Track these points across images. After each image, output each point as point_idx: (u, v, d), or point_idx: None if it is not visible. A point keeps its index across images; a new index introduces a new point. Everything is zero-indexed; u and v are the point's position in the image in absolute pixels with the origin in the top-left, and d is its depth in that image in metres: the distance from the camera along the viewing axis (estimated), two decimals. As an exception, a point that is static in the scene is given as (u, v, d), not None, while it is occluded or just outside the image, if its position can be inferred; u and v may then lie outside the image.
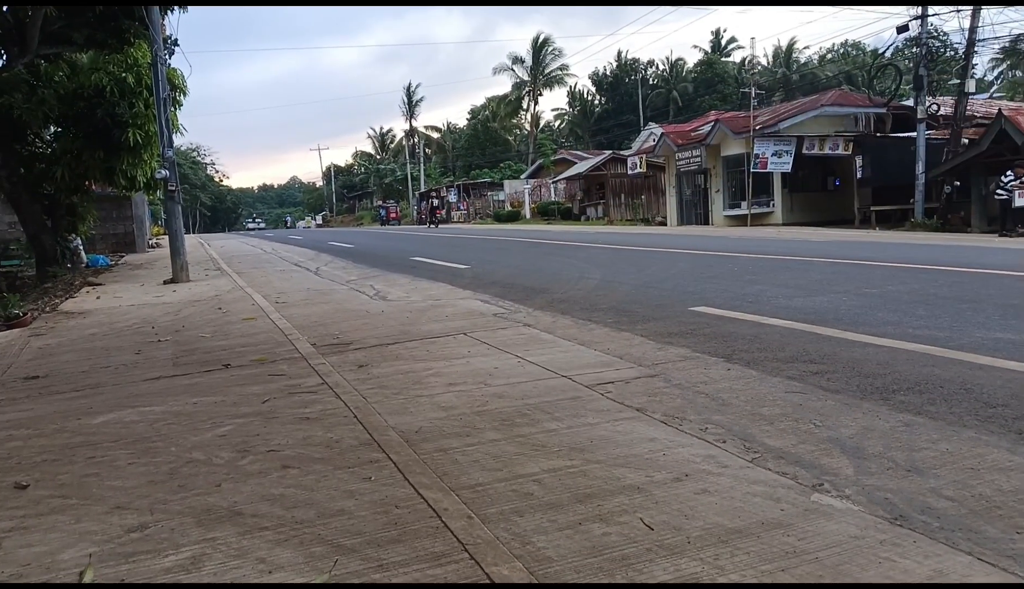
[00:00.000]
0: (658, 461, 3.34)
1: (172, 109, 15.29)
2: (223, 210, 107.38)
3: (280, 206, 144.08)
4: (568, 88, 74.23)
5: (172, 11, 14.85)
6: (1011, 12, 37.22)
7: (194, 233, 69.22)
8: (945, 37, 28.74)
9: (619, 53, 74.45)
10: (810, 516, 2.73)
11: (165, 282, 14.01)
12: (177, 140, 16.64)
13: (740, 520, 2.71)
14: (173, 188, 14.35)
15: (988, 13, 22.91)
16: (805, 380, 4.62)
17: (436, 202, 49.87)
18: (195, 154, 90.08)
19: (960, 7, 21.86)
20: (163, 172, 14.24)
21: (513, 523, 2.79)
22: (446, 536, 2.69)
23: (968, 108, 23.51)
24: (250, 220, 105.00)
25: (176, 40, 15.90)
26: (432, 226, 41.62)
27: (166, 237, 18.61)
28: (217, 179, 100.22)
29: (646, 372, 5.00)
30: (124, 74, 15.56)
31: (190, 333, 7.84)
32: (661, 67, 75.03)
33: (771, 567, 2.37)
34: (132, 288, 13.49)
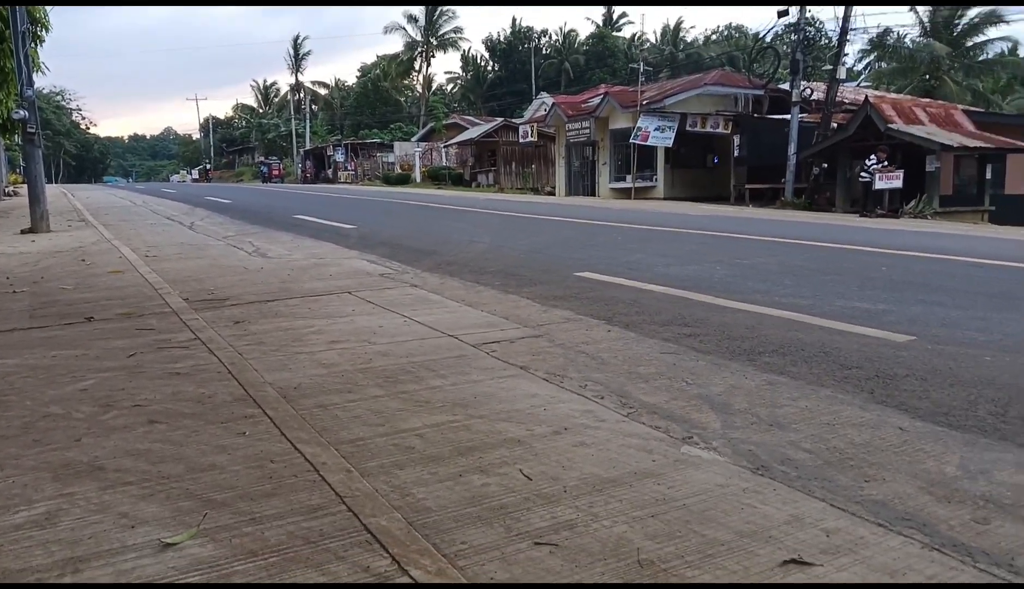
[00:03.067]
0: (539, 416, 3.40)
1: (32, 44, 14.07)
2: (90, 160, 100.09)
3: (153, 158, 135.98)
4: (462, 52, 73.49)
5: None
6: (880, 8, 39.62)
7: (58, 184, 64.23)
8: (821, 25, 30.28)
9: (514, 20, 74.27)
10: (680, 466, 2.85)
11: (23, 232, 12.99)
12: (39, 81, 15.38)
13: (615, 470, 2.80)
14: (32, 130, 13.23)
15: (859, 8, 24.24)
16: (679, 342, 4.81)
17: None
18: (59, 98, 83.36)
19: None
20: (20, 113, 13.10)
21: (393, 476, 2.77)
22: (323, 489, 2.64)
23: (839, 94, 24.88)
24: (110, 177, 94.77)
25: (36, -31, 14.59)
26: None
27: (25, 186, 17.20)
28: (84, 126, 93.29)
29: (531, 333, 5.07)
30: (-26, 2, 14.13)
31: (50, 285, 7.30)
32: (555, 37, 75.40)
33: (642, 513, 2.46)
34: (-18, 237, 12.42)
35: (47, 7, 15.52)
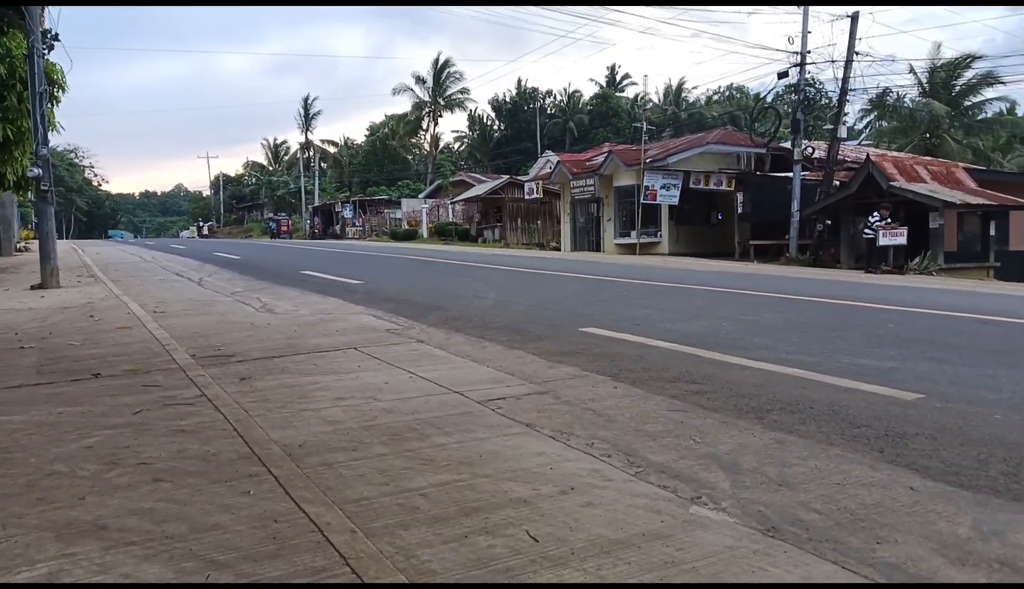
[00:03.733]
0: (545, 475, 3.37)
1: (49, 105, 14.39)
2: (100, 216, 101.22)
3: (163, 214, 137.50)
4: (468, 112, 74.78)
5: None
6: (879, 67, 40.32)
7: (68, 239, 64.89)
8: (821, 85, 30.83)
9: (519, 81, 75.59)
10: (689, 527, 2.81)
11: (33, 287, 13.09)
12: (53, 139, 15.68)
13: (622, 531, 2.76)
14: (46, 188, 13.45)
15: (859, 67, 24.67)
16: (686, 399, 4.79)
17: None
18: (73, 155, 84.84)
19: (835, 60, 23.49)
20: (35, 170, 13.34)
21: (398, 537, 2.74)
22: (327, 550, 2.61)
23: (840, 152, 25.19)
24: (116, 232, 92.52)
25: (56, 34, 14.98)
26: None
27: (36, 242, 17.40)
28: (96, 183, 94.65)
29: (536, 389, 5.05)
30: (-4, 64, 14.52)
31: (57, 340, 7.34)
32: (559, 97, 76.77)
33: (651, 576, 2.42)
34: (-8, 293, 12.52)
35: (64, 69, 15.91)
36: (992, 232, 21.89)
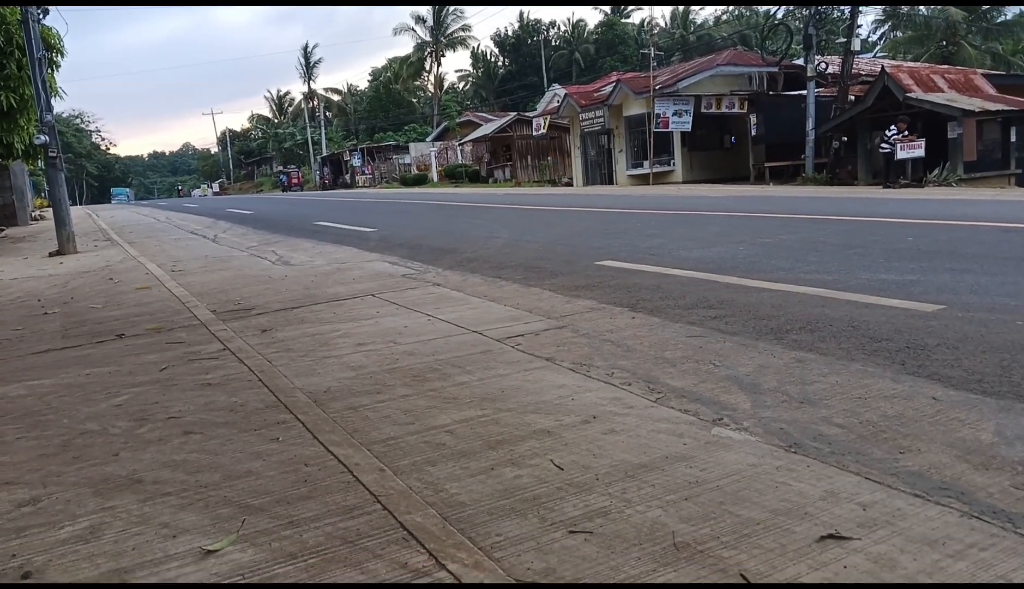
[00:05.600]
0: (567, 405, 3.40)
1: (49, 70, 14.28)
2: (111, 180, 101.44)
3: (173, 174, 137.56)
4: (471, 49, 73.45)
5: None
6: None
7: (81, 204, 65.19)
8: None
9: (521, 14, 74.01)
10: (711, 448, 2.84)
11: (51, 254, 13.21)
12: (57, 106, 15.64)
13: (646, 456, 2.80)
14: (54, 155, 13.45)
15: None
16: (705, 324, 4.79)
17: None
18: (78, 121, 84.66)
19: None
20: (42, 138, 13.31)
21: (426, 473, 2.79)
22: (358, 489, 2.67)
23: (854, 66, 24.56)
24: (119, 190, 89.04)
25: (49, -4, 14.78)
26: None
27: (50, 209, 17.50)
28: (104, 147, 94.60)
29: (555, 324, 5.07)
30: (-9, 32, 14.38)
31: (80, 304, 7.43)
32: (563, 28, 75.17)
33: (675, 497, 2.46)
34: (14, 261, 12.65)
35: (60, 32, 15.74)
36: (1013, 138, 21.39)
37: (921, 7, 40.75)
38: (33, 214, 30.75)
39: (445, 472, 2.78)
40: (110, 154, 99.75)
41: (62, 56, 16.07)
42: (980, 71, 27.59)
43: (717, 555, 2.10)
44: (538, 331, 4.89)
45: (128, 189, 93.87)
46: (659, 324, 4.89)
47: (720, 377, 3.70)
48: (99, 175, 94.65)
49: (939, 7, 39.30)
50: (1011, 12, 41.33)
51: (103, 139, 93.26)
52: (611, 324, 4.96)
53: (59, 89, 15.89)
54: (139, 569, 2.23)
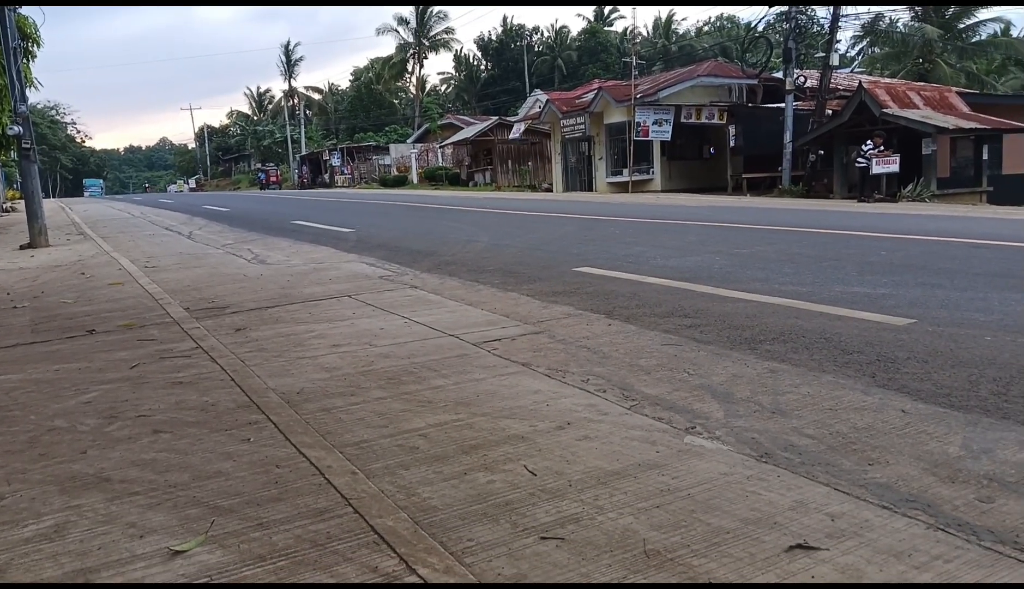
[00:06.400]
0: (542, 411, 3.41)
1: (24, 60, 14.07)
2: (86, 173, 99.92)
3: (149, 169, 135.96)
4: (454, 52, 73.42)
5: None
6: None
7: (55, 197, 64.12)
8: (812, 13, 30.16)
9: (504, 18, 74.22)
10: (683, 457, 2.86)
11: (22, 247, 13.01)
12: (33, 96, 15.40)
13: (619, 463, 2.81)
14: (28, 146, 13.24)
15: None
16: (680, 333, 4.82)
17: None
18: (54, 113, 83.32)
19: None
20: (15, 128, 13.10)
21: (399, 476, 2.78)
22: (329, 492, 2.65)
23: (832, 81, 24.85)
24: (92, 181, 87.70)
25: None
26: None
27: (22, 201, 17.22)
28: (79, 139, 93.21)
29: (531, 329, 5.07)
30: (-35, 20, 14.12)
31: (50, 299, 7.32)
32: (546, 34, 75.41)
33: (647, 504, 2.47)
34: (-18, 254, 12.44)
35: (37, 23, 15.52)
36: (985, 156, 21.78)
37: (899, 23, 41.39)
38: (4, 206, 30.24)
39: (418, 476, 2.77)
40: (85, 147, 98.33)
41: (38, 46, 15.86)
42: (955, 89, 28.07)
43: (687, 563, 2.11)
44: (515, 336, 4.89)
45: (101, 181, 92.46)
46: (635, 331, 4.91)
47: (694, 386, 3.73)
48: (73, 168, 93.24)
49: (917, 23, 39.92)
50: (985, 32, 42.11)
51: (78, 131, 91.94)
52: (587, 330, 4.98)
53: (34, 80, 15.68)
54: (104, 569, 2.19)
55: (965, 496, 2.48)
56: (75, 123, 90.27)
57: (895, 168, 19.88)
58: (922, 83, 30.50)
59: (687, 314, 5.38)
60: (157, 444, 3.21)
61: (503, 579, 2.07)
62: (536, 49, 73.89)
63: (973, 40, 41.45)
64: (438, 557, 2.17)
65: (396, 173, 50.00)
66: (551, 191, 32.50)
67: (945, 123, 21.11)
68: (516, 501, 2.53)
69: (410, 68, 69.05)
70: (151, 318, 6.05)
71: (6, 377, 4.43)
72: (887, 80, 31.32)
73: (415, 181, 46.89)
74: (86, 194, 75.93)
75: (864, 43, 46.10)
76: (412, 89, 71.27)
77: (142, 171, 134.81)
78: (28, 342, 5.41)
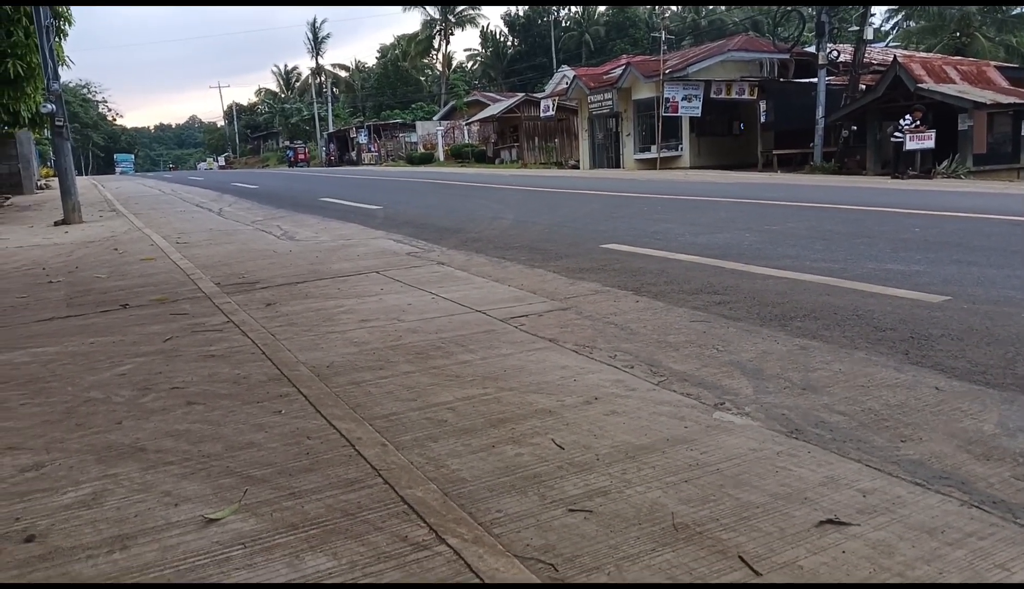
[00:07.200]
0: (569, 386, 3.41)
1: (56, 38, 14.23)
2: (117, 151, 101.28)
3: (179, 147, 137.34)
4: (480, 28, 72.94)
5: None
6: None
7: (87, 175, 65.04)
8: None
9: (532, -7, 73.30)
10: (712, 432, 2.85)
11: (56, 223, 13.22)
12: (64, 75, 15.60)
13: (647, 437, 2.80)
14: (61, 123, 13.42)
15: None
16: (709, 310, 4.78)
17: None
18: (85, 91, 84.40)
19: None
20: (49, 106, 13.27)
21: (427, 448, 2.80)
22: (360, 463, 2.68)
23: (866, 55, 24.36)
24: (124, 156, 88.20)
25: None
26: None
27: (56, 179, 17.50)
28: (110, 118, 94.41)
29: (558, 306, 5.07)
30: (-1, -1, 14.32)
31: (84, 274, 7.44)
32: (573, 10, 74.48)
33: (675, 479, 2.46)
34: (19, 230, 12.66)
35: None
36: (1023, 132, 21.23)
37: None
38: (39, 183, 30.74)
39: (446, 448, 2.79)
40: (116, 125, 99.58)
41: (70, 24, 16.04)
42: (993, 63, 27.35)
43: (716, 537, 2.11)
44: (542, 312, 4.89)
45: (132, 156, 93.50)
46: (663, 308, 4.88)
47: (723, 362, 3.70)
48: (105, 146, 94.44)
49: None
50: (1027, 4, 40.89)
51: (110, 110, 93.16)
52: (615, 307, 4.96)
53: (66, 58, 15.89)
54: (141, 536, 2.24)
55: (1000, 474, 2.44)
56: (106, 101, 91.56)
57: (930, 144, 19.47)
58: (959, 57, 29.76)
59: (716, 291, 5.33)
60: (191, 415, 3.27)
61: (532, 550, 2.08)
62: (563, 24, 73.14)
63: (1013, 13, 40.30)
64: (467, 527, 2.18)
65: (422, 150, 50.00)
66: (578, 168, 32.31)
67: (982, 98, 20.59)
68: (544, 474, 2.54)
69: (436, 45, 68.84)
70: (183, 293, 6.13)
71: (43, 350, 4.52)
72: (923, 54, 30.58)
73: (441, 159, 46.86)
74: (118, 170, 76.80)
75: (900, 16, 45.08)
76: (438, 66, 71.08)
77: (172, 149, 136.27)
78: (64, 316, 5.52)
